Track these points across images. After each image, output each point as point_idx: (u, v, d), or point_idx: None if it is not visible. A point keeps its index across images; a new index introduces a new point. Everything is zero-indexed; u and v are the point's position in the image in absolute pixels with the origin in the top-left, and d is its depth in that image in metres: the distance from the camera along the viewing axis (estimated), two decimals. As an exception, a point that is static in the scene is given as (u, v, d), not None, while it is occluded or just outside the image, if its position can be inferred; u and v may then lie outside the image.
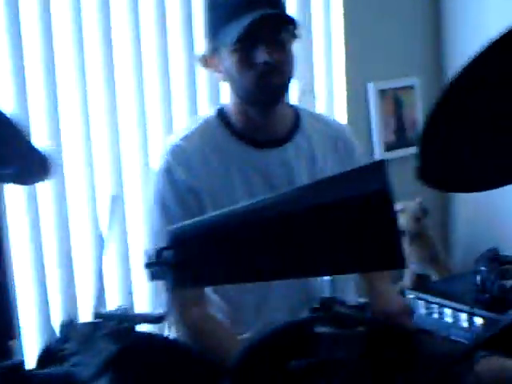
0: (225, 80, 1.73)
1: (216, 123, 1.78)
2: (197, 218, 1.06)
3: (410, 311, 1.80)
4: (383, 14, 2.94)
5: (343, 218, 0.94)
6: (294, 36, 1.70)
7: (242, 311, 1.70)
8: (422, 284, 2.90)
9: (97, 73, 2.37)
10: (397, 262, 0.96)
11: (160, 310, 1.02)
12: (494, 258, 2.46)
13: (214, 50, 1.70)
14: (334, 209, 0.94)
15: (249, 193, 1.71)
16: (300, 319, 1.03)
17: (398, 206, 2.88)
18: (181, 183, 1.68)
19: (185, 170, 1.69)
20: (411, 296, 2.77)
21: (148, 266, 1.00)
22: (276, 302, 1.69)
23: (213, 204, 1.67)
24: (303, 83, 2.78)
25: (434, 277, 2.94)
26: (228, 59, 1.66)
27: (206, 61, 1.75)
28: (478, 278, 2.42)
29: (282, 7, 1.73)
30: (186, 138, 1.75)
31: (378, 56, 2.92)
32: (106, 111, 2.39)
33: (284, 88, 1.73)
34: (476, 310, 2.29)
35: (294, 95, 2.72)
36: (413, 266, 2.97)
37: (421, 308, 2.68)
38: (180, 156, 1.71)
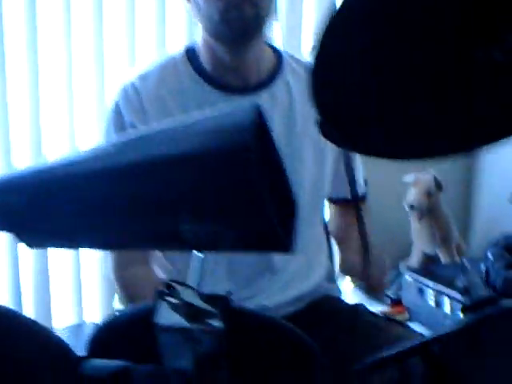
0: (193, 12, 1.49)
1: (182, 62, 1.53)
2: (33, 165, 0.81)
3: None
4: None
5: (200, 174, 0.67)
6: None
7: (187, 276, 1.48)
8: (428, 265, 2.60)
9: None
10: (277, 245, 0.70)
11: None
12: (506, 245, 2.13)
13: None
14: (185, 162, 0.68)
15: None
16: (144, 308, 0.78)
17: (409, 178, 2.57)
18: (129, 127, 1.45)
19: (135, 113, 1.46)
20: (410, 279, 2.48)
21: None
22: (225, 269, 1.46)
23: None
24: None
25: (444, 259, 2.64)
26: None
27: None
28: (483, 266, 2.10)
29: None
30: (142, 77, 1.52)
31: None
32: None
33: (258, 23, 1.44)
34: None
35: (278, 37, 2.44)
36: (421, 244, 2.68)
37: (418, 291, 2.40)
38: (132, 97, 1.48)
